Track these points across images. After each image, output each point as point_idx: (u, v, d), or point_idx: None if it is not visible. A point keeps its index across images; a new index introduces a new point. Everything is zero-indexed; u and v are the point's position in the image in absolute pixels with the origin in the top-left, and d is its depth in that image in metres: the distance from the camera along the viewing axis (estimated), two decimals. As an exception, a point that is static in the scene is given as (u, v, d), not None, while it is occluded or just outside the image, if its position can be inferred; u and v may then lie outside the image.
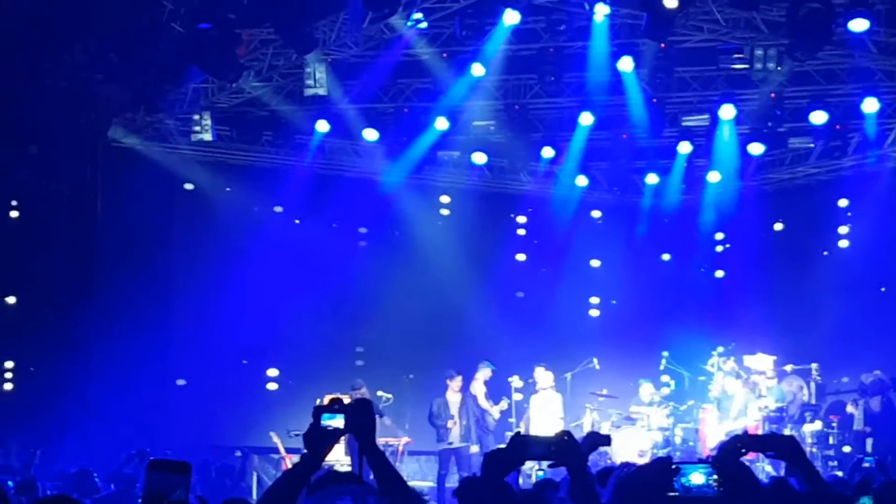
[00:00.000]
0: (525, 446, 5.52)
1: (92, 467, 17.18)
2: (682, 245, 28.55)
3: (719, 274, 28.58)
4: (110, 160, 24.27)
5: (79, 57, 22.16)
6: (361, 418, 5.18)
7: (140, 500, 3.97)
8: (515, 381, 24.56)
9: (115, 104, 23.70)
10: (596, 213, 28.89)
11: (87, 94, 22.91)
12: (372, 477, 5.20)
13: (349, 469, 19.05)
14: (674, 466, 5.04)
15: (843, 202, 26.71)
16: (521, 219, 28.76)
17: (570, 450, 5.54)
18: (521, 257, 28.65)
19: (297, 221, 26.86)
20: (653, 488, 5.21)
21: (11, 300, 23.71)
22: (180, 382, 25.37)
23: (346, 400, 5.27)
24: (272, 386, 26.66)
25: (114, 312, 23.92)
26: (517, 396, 24.45)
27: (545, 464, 5.78)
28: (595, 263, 28.81)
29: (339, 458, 20.90)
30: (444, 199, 28.17)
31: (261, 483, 22.34)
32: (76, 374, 23.34)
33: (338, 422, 5.12)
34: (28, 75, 22.33)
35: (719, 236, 28.39)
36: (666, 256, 28.99)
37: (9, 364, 23.78)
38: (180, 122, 24.62)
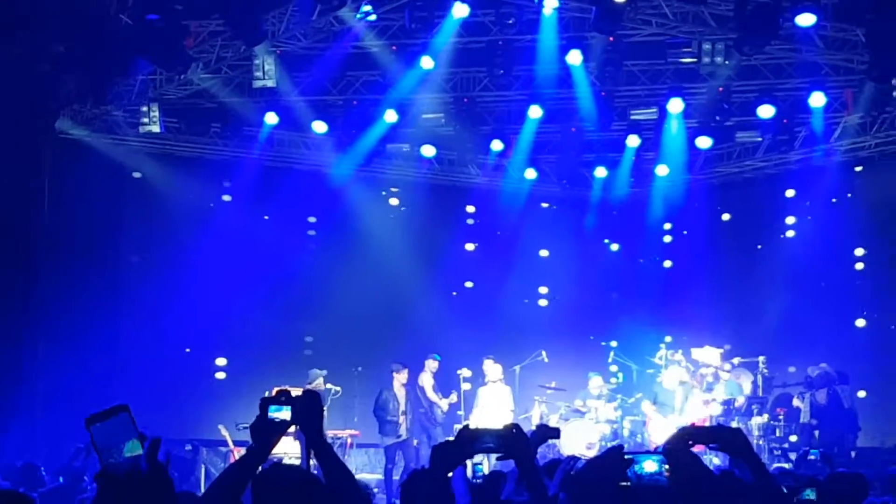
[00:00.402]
0: (473, 439, 5.52)
1: (40, 460, 17.09)
2: (631, 237, 28.65)
3: (667, 264, 28.68)
4: (58, 152, 24.05)
5: (22, 47, 21.93)
6: (308, 410, 5.17)
7: (94, 478, 3.78)
8: (464, 373, 24.58)
9: (62, 95, 23.50)
10: (545, 204, 28.91)
11: (33, 85, 22.70)
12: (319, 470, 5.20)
13: (298, 461, 19.05)
14: (627, 456, 5.07)
15: (790, 193, 26.86)
16: (471, 208, 28.76)
17: (518, 443, 5.54)
18: (469, 247, 28.67)
19: (266, 217, 26.82)
20: (606, 478, 5.25)
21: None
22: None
23: (295, 392, 5.26)
24: (220, 375, 26.61)
25: (61, 304, 23.71)
26: (465, 386, 24.46)
27: (493, 457, 5.80)
28: (544, 253, 28.86)
29: (287, 450, 20.86)
30: (394, 189, 28.14)
31: (209, 476, 22.25)
32: (23, 366, 23.13)
33: (284, 414, 5.10)
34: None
35: (667, 227, 28.48)
36: (614, 246, 29.08)
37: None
38: (128, 114, 24.48)
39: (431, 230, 27.53)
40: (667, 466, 5.01)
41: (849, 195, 26.18)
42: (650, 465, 4.99)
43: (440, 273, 27.29)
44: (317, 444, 5.18)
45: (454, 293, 28.38)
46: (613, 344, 25.91)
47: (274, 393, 5.24)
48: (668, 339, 24.84)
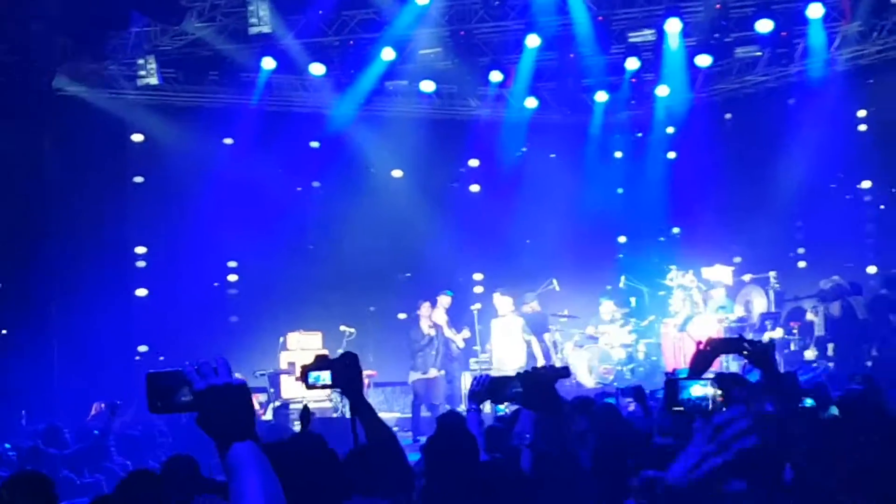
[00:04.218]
0: (503, 386, 5.68)
1: (62, 420, 17.20)
2: (634, 149, 28.56)
3: (671, 155, 28.27)
4: (56, 109, 24.03)
5: (15, 7, 21.84)
6: (348, 372, 5.23)
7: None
8: (477, 308, 24.66)
9: (57, 53, 23.44)
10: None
11: (28, 44, 22.63)
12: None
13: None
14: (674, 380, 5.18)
15: (791, 106, 26.76)
16: (474, 162, 28.70)
17: (539, 389, 5.66)
18: (475, 188, 28.72)
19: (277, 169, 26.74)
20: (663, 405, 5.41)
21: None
22: (142, 349, 25.33)
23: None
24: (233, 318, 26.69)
25: (70, 257, 23.77)
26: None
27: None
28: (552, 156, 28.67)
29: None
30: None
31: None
32: (32, 330, 23.14)
33: (325, 378, 5.17)
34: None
35: (670, 129, 28.19)
36: (618, 154, 28.96)
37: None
38: (125, 68, 24.43)
39: (436, 165, 27.47)
40: (715, 390, 5.11)
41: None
42: (698, 390, 5.08)
43: (446, 208, 27.28)
44: (358, 404, 5.25)
45: (473, 189, 28.54)
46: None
47: (312, 360, 5.29)
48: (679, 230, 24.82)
